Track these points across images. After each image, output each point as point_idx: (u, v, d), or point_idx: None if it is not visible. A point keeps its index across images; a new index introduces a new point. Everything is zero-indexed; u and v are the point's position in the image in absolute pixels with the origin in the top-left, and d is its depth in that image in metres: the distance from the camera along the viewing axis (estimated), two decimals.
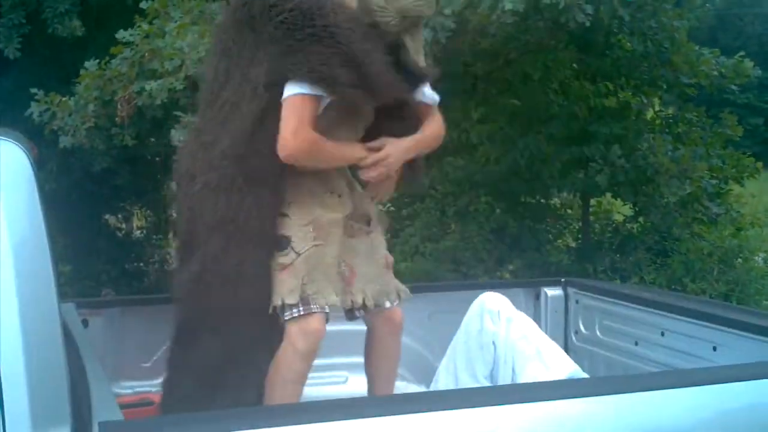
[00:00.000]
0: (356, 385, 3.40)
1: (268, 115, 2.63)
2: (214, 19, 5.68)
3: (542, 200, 7.81)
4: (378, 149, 2.81)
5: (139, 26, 5.63)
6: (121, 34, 5.64)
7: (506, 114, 7.01)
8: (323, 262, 2.78)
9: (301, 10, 2.58)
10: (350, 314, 2.96)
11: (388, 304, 2.97)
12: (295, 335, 2.69)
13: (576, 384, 2.55)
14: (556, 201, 8.04)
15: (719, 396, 2.21)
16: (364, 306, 2.90)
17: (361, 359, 3.50)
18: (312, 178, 2.80)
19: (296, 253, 2.72)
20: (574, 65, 7.25)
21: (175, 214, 2.97)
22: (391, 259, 3.10)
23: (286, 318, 2.70)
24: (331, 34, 2.57)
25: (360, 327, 3.50)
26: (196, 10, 5.69)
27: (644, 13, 6.44)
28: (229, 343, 2.69)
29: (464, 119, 6.76)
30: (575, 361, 3.17)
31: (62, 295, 2.05)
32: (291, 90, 2.62)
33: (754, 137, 24.52)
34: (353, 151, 2.81)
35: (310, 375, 3.37)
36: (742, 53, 7.47)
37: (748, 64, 7.22)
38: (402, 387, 3.49)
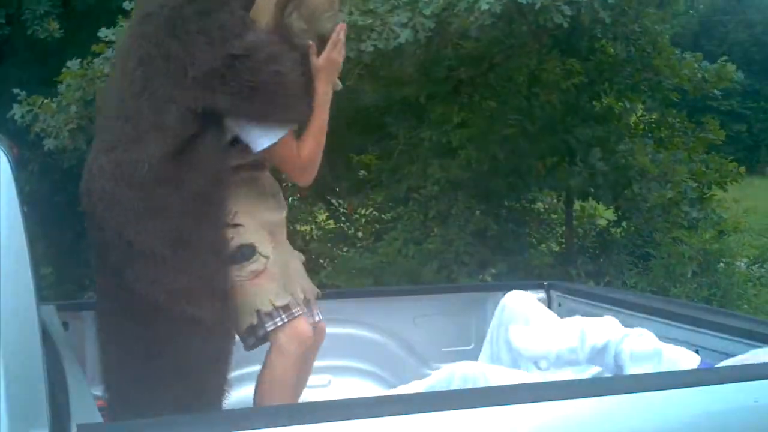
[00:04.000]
0: (339, 387, 3.39)
1: (200, 139, 2.54)
2: None
3: (526, 204, 7.83)
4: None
5: (122, 25, 5.58)
6: (104, 33, 5.60)
7: (488, 117, 7.03)
8: (285, 262, 2.81)
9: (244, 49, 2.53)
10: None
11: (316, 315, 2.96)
12: (286, 343, 2.67)
13: (565, 386, 2.54)
14: (540, 205, 8.06)
15: (704, 398, 2.21)
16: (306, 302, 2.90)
17: (343, 362, 3.50)
18: (246, 184, 2.78)
19: (265, 257, 2.70)
20: (557, 70, 7.27)
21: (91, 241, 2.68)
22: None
23: (270, 329, 2.66)
24: (277, 73, 2.57)
25: (342, 330, 3.51)
26: None
27: (627, 17, 6.47)
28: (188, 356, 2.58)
29: (446, 122, 6.77)
30: None
31: (43, 298, 2.04)
32: (279, 134, 2.63)
33: (737, 143, 24.72)
34: (319, 111, 2.72)
35: None
36: (724, 58, 7.51)
37: (731, 68, 7.26)
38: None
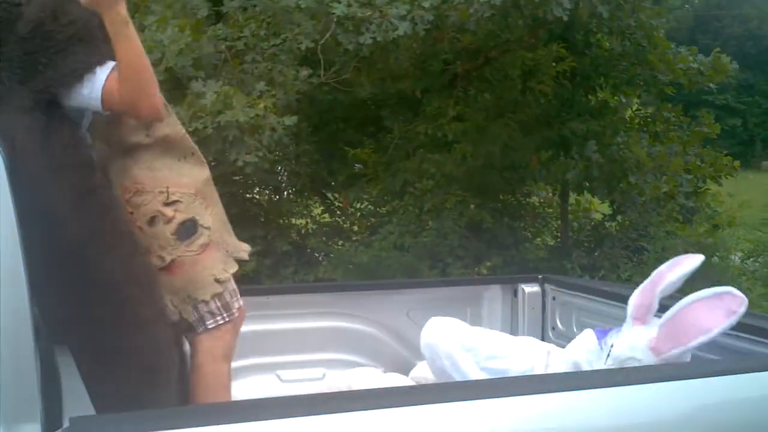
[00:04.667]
0: (334, 381, 3.39)
1: (53, 133, 2.44)
2: (196, 13, 5.66)
3: (521, 198, 7.84)
4: None
5: None
6: None
7: (483, 111, 7.04)
8: (222, 220, 2.78)
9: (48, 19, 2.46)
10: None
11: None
12: (210, 345, 2.65)
13: (556, 379, 2.55)
14: (535, 199, 8.07)
15: (695, 391, 2.22)
16: None
17: (338, 355, 3.50)
18: (165, 153, 2.71)
19: (206, 228, 2.68)
20: (554, 64, 7.29)
21: None
22: None
23: (210, 326, 2.63)
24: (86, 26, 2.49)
25: (337, 323, 3.51)
26: (178, 4, 5.66)
27: (623, 12, 6.49)
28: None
29: (441, 116, 6.78)
30: None
31: None
32: (97, 79, 2.48)
33: (732, 138, 24.79)
34: (117, 42, 2.49)
35: (288, 372, 3.37)
36: (718, 50, 7.53)
37: (726, 59, 7.28)
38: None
